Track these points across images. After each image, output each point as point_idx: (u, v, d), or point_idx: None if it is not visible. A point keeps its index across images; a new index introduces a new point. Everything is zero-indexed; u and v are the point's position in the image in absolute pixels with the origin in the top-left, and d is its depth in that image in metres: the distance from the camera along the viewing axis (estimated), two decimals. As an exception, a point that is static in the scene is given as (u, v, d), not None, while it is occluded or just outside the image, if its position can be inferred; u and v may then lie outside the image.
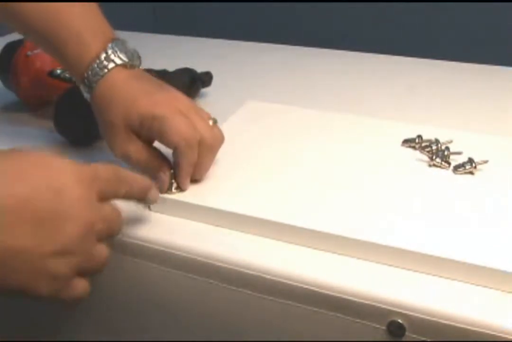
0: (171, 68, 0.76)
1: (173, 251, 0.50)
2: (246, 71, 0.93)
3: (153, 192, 0.51)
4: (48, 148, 0.67)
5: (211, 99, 0.80)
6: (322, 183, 0.56)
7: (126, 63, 0.56)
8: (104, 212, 0.45)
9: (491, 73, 0.93)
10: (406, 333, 0.44)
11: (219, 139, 0.56)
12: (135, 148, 0.55)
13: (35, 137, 0.69)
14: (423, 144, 0.62)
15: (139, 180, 0.50)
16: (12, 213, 0.40)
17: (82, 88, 0.57)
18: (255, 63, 0.97)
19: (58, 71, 0.71)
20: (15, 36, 0.77)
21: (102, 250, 0.46)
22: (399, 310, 0.44)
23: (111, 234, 0.47)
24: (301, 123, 0.68)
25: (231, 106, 0.72)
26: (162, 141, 0.54)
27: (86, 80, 0.56)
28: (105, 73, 0.55)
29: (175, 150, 0.53)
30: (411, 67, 0.96)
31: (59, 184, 0.42)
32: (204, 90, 0.80)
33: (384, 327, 0.45)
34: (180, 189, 0.54)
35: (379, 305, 0.44)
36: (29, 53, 0.73)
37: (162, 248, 0.50)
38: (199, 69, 0.79)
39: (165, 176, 0.54)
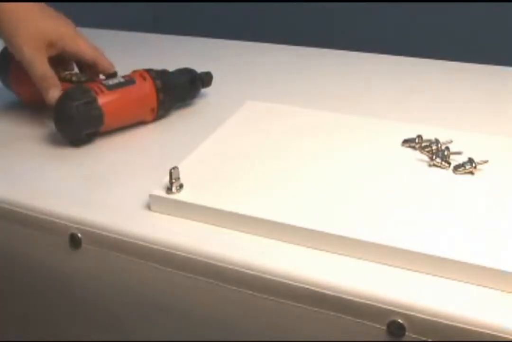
0: (171, 68, 0.76)
1: (173, 251, 0.50)
2: (246, 71, 0.93)
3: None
4: (48, 148, 0.67)
5: (211, 99, 0.80)
6: (322, 183, 0.56)
7: None
8: None
9: (491, 73, 0.93)
10: (406, 333, 0.44)
11: None
12: (43, 58, 0.68)
13: (35, 137, 0.69)
14: (423, 144, 0.62)
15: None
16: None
17: None
18: (255, 63, 0.97)
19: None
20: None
21: None
22: (399, 310, 0.44)
23: None
24: (301, 123, 0.68)
25: (231, 106, 0.72)
26: (77, 56, 0.71)
27: None
28: None
29: (94, 62, 0.71)
30: (411, 67, 0.96)
31: None
32: (204, 90, 0.80)
33: (384, 327, 0.45)
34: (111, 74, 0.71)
35: (379, 305, 0.44)
36: (29, 53, 0.73)
37: (162, 248, 0.50)
38: (199, 69, 0.79)
39: (56, 92, 0.67)
